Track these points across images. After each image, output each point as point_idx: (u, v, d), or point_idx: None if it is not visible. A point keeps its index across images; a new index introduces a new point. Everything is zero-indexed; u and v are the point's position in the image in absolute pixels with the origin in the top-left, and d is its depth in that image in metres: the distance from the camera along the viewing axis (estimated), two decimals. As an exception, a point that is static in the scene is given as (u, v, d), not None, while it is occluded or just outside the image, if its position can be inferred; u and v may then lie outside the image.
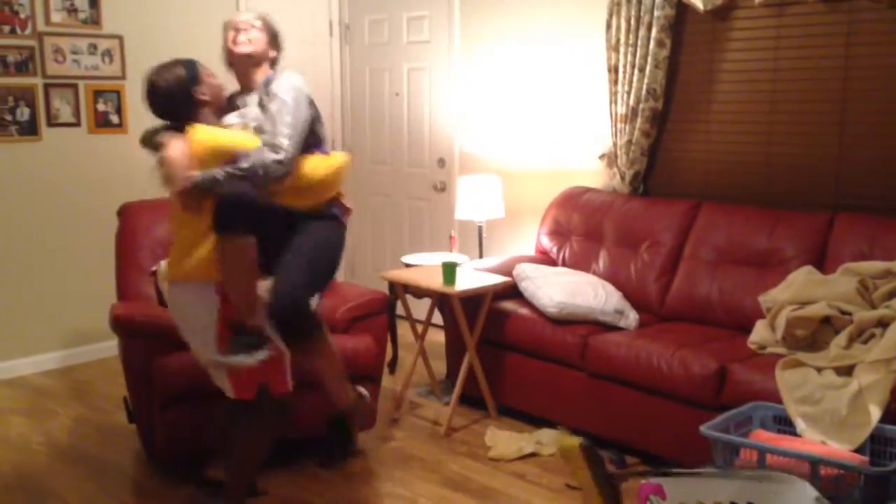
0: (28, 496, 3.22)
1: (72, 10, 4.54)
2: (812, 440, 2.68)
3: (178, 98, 2.75)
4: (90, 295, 4.63)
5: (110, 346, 4.37)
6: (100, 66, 4.68)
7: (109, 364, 4.56)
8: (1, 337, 4.50)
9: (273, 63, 2.95)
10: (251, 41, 2.86)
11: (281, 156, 2.64)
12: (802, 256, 3.50)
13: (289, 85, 2.77)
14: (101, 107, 4.70)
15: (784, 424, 2.81)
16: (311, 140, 2.82)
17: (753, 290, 3.52)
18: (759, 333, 3.31)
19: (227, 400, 2.82)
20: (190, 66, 2.79)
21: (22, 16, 4.39)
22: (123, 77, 4.75)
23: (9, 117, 4.40)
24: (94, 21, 4.63)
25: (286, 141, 2.66)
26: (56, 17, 4.49)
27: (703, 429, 2.65)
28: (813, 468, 2.44)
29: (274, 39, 2.95)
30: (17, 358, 4.57)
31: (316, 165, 2.80)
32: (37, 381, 4.49)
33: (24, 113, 4.45)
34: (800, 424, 2.75)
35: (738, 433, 2.72)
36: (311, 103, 2.84)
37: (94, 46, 4.64)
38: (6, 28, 4.34)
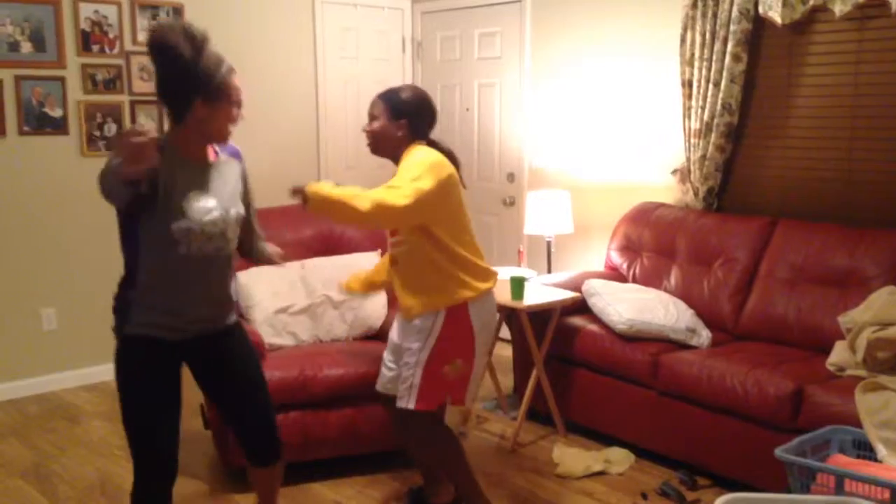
0: (108, 498, 3.34)
1: (157, 30, 4.73)
2: (893, 466, 2.59)
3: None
4: (169, 304, 4.78)
5: (187, 354, 4.50)
6: (182, 84, 4.86)
7: (187, 372, 4.69)
8: (84, 343, 4.69)
9: None
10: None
11: None
12: (884, 276, 3.38)
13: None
14: (182, 123, 4.88)
15: (864, 450, 2.71)
16: None
17: (832, 310, 3.42)
18: (839, 355, 3.22)
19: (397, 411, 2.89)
20: None
21: (111, 36, 4.60)
22: (204, 94, 4.92)
23: (97, 133, 4.61)
24: (178, 40, 4.80)
25: None
26: (142, 36, 4.69)
27: (779, 452, 2.59)
28: (893, 496, 2.35)
29: None
30: (100, 364, 4.75)
31: None
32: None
33: (111, 129, 4.65)
34: (880, 450, 2.65)
35: (814, 457, 2.64)
36: None
37: (178, 65, 4.82)
38: (96, 48, 4.55)
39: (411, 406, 2.81)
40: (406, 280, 2.84)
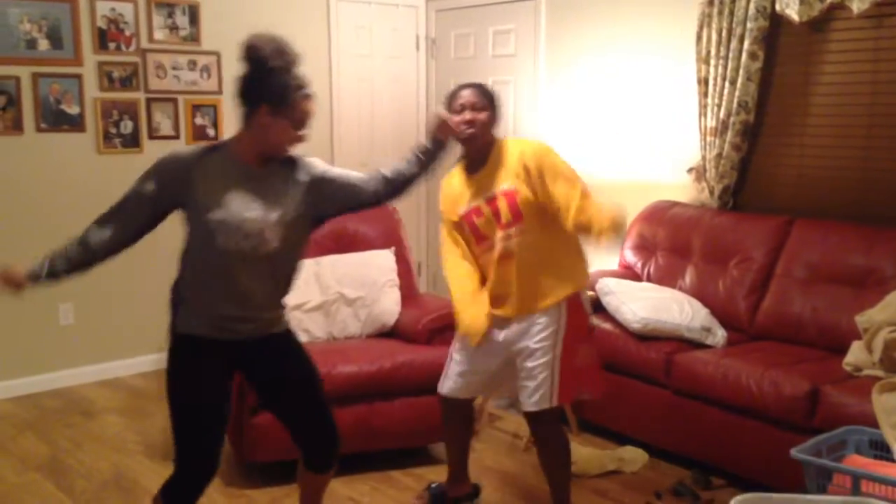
0: (123, 493, 3.36)
1: (173, 28, 4.75)
2: (911, 468, 2.57)
3: None
4: (184, 301, 4.81)
5: (202, 351, 4.52)
6: (198, 82, 4.88)
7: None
8: (101, 339, 4.73)
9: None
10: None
11: None
12: (902, 276, 3.36)
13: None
14: (198, 120, 4.90)
15: (881, 450, 2.69)
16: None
17: (849, 309, 3.40)
18: (855, 355, 3.20)
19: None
20: None
21: (127, 33, 4.62)
22: (220, 92, 4.94)
23: (113, 130, 4.64)
24: (194, 38, 4.83)
25: None
26: (158, 34, 4.72)
27: (795, 452, 2.57)
28: (912, 497, 2.33)
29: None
30: (116, 359, 4.78)
31: None
32: (133, 383, 4.69)
33: (127, 126, 4.68)
34: (898, 451, 2.63)
35: (830, 458, 2.62)
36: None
37: (194, 63, 4.84)
38: (112, 45, 4.58)
39: (554, 403, 2.77)
40: (527, 272, 2.75)
